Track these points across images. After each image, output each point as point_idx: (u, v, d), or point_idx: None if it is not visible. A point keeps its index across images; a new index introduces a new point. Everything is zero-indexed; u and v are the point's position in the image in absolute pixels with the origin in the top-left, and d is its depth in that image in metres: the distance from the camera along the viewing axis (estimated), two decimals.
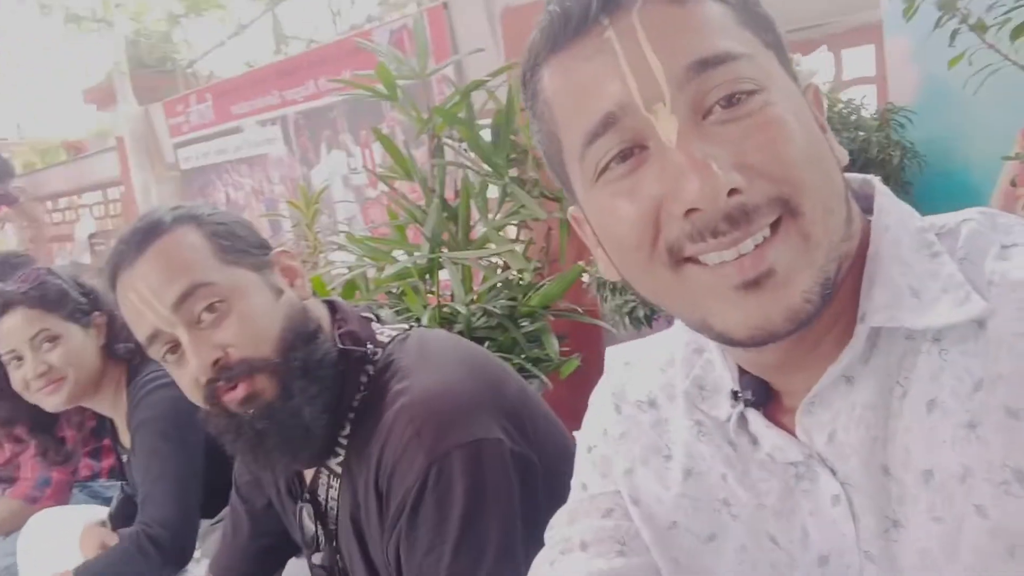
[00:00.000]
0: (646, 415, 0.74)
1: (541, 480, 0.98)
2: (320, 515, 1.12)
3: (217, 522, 1.72)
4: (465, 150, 2.63)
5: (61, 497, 2.36)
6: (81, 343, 1.74)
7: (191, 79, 6.07)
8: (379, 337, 1.10)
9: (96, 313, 1.79)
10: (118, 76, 6.00)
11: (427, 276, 2.28)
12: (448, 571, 0.90)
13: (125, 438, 1.86)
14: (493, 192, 2.49)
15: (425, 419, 0.93)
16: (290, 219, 3.66)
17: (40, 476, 2.38)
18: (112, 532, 1.82)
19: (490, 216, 2.41)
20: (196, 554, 1.68)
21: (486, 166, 2.47)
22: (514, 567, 0.90)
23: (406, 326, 1.14)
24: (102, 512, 2.08)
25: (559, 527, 0.76)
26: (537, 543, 0.78)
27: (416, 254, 2.32)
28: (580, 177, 0.62)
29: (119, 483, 2.65)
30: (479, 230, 2.56)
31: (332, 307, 1.12)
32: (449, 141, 2.59)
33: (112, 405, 1.82)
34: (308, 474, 1.14)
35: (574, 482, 0.79)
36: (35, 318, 1.70)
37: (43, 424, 1.84)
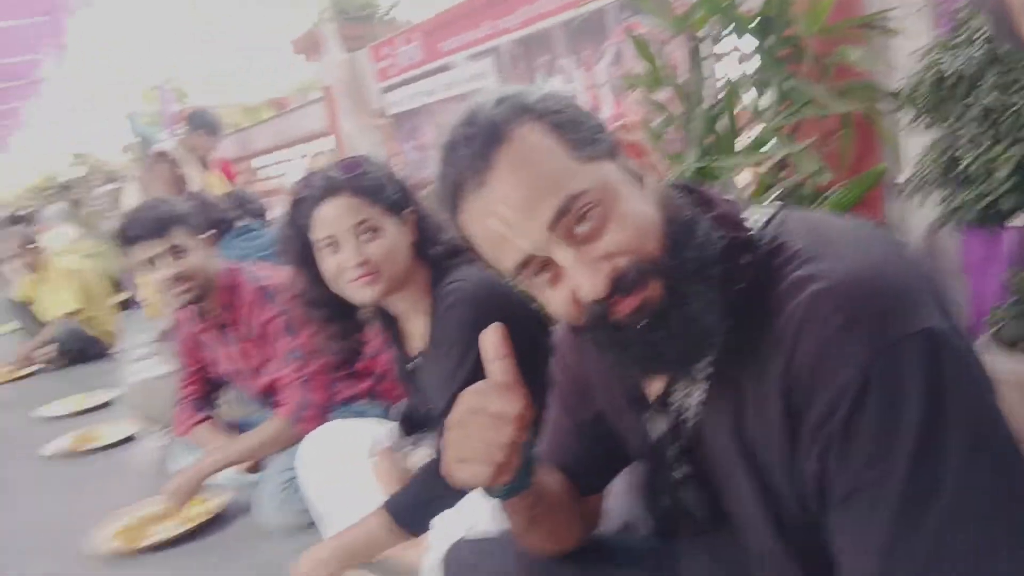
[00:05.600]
0: None
1: (985, 383, 0.77)
2: (673, 427, 0.99)
3: None
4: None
5: (319, 420, 2.38)
6: (397, 238, 1.66)
7: (389, 26, 6.08)
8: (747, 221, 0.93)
9: (408, 209, 1.71)
10: (325, 24, 6.13)
11: None
12: (901, 491, 0.72)
13: (412, 345, 1.79)
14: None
15: (857, 305, 0.76)
16: None
17: (302, 399, 2.41)
18: (407, 458, 1.77)
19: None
20: None
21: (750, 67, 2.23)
22: (981, 488, 0.71)
23: (769, 207, 0.95)
24: (383, 428, 2.05)
25: None
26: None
27: (684, 164, 2.12)
28: None
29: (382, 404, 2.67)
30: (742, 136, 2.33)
31: (683, 188, 0.95)
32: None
33: (412, 307, 1.74)
34: (653, 380, 1.00)
35: None
36: (357, 207, 1.62)
37: (345, 311, 1.76)
